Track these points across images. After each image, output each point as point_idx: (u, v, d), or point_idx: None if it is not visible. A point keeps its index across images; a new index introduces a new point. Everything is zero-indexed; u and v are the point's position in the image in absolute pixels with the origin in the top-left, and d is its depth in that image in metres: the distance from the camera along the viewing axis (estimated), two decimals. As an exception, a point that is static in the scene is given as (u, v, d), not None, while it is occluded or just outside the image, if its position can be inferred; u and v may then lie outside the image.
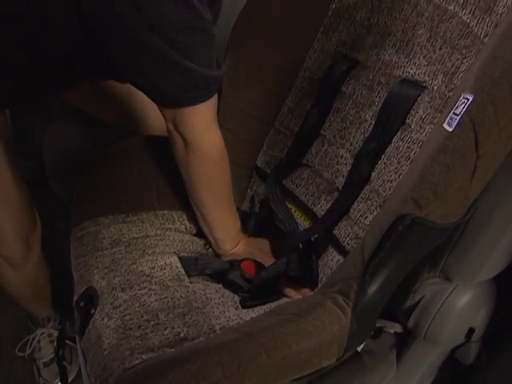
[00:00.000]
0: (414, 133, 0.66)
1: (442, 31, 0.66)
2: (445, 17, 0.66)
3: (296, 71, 0.88)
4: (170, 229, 0.82)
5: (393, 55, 0.73)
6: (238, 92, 0.86)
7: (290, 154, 0.87)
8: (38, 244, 0.95)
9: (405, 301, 0.62)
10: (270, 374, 0.46)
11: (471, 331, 0.64)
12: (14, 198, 0.85)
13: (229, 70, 0.82)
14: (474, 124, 0.44)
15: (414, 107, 0.67)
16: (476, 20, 0.62)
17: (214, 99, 0.66)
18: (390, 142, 0.68)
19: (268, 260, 0.78)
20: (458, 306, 0.60)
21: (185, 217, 0.85)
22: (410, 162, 0.65)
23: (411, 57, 0.70)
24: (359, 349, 0.59)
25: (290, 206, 0.85)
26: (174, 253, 0.76)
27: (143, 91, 0.65)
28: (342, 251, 0.72)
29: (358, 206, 0.71)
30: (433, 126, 0.63)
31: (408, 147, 0.66)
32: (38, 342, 1.06)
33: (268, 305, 0.69)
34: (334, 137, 0.79)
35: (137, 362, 0.54)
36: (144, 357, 0.55)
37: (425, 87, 0.66)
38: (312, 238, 0.78)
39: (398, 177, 0.66)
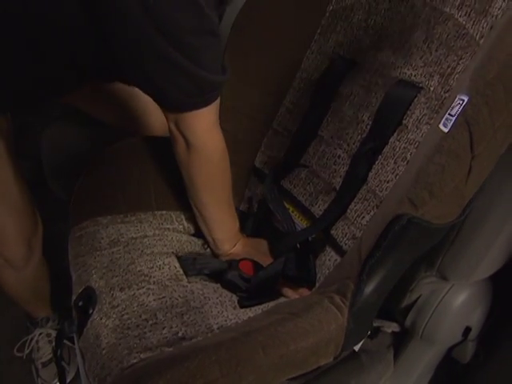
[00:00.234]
0: (410, 133, 0.66)
1: (438, 33, 0.66)
2: (441, 19, 0.66)
3: (294, 72, 0.88)
4: (169, 229, 0.83)
5: (390, 56, 0.73)
6: (235, 93, 0.86)
7: (287, 154, 0.87)
8: (39, 246, 0.95)
9: (402, 300, 0.62)
10: (267, 373, 0.46)
11: (468, 330, 0.64)
12: (15, 199, 0.85)
13: (227, 70, 0.83)
14: (469, 125, 0.45)
15: (411, 108, 0.67)
16: (472, 22, 0.62)
17: (217, 102, 0.67)
18: (387, 143, 0.69)
19: (266, 260, 0.78)
20: (455, 305, 0.61)
21: (183, 217, 0.86)
22: (407, 163, 0.65)
23: (408, 58, 0.70)
24: (356, 348, 0.59)
25: (287, 206, 0.85)
26: (173, 253, 0.76)
27: (147, 94, 0.65)
28: (340, 251, 0.72)
29: (355, 206, 0.71)
30: (429, 127, 0.63)
31: (405, 148, 0.66)
32: (37, 342, 1.06)
33: (266, 304, 0.69)
34: (332, 137, 0.80)
35: (135, 361, 0.55)
36: (142, 356, 0.55)
37: (421, 88, 0.67)
38: (309, 238, 0.78)
39: (395, 177, 0.66)
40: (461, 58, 0.63)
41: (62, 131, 1.29)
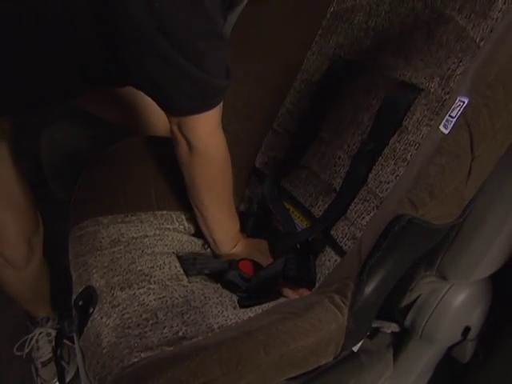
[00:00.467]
0: (410, 135, 0.67)
1: (439, 35, 0.67)
2: (441, 21, 0.67)
3: (294, 73, 0.88)
4: (169, 229, 0.83)
5: (390, 58, 0.74)
6: (236, 93, 0.87)
7: (288, 155, 0.88)
8: (40, 246, 0.95)
9: (401, 300, 0.62)
10: (267, 372, 0.47)
11: (467, 330, 0.64)
12: (17, 199, 0.85)
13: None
14: (470, 126, 0.45)
15: (411, 109, 0.67)
16: (472, 24, 0.63)
17: (220, 105, 0.67)
18: (387, 144, 0.69)
19: (266, 260, 0.79)
20: (454, 305, 0.61)
21: (183, 217, 0.86)
22: (407, 164, 0.65)
23: (408, 60, 0.70)
24: (355, 348, 0.59)
25: (287, 206, 0.86)
26: (173, 253, 0.76)
27: (150, 96, 0.65)
28: (340, 251, 0.72)
29: (355, 206, 0.71)
30: (429, 128, 0.64)
31: (405, 149, 0.66)
32: (37, 341, 1.06)
33: (266, 304, 0.69)
34: (332, 138, 0.80)
35: (136, 360, 0.55)
36: (143, 355, 0.55)
37: (421, 90, 0.67)
38: (309, 239, 0.79)
39: (395, 178, 0.67)
40: (461, 60, 0.63)
41: (61, 131, 1.29)
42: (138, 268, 0.70)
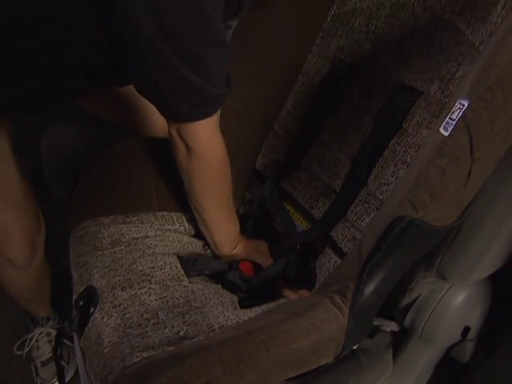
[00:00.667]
0: (410, 137, 0.67)
1: (438, 39, 0.67)
2: (441, 25, 0.67)
3: (295, 75, 0.89)
4: (170, 230, 0.83)
5: (390, 61, 0.74)
6: (237, 95, 0.87)
7: (288, 156, 0.88)
8: (42, 246, 0.95)
9: (401, 300, 0.62)
10: (268, 371, 0.47)
11: (467, 330, 0.65)
12: (19, 199, 0.85)
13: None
14: (469, 129, 0.46)
15: (411, 112, 0.68)
16: (471, 28, 0.63)
17: (219, 110, 0.67)
18: (387, 146, 0.69)
19: (266, 262, 0.79)
20: (454, 305, 0.61)
21: (184, 218, 0.86)
22: (407, 166, 0.66)
23: (408, 63, 0.71)
24: (355, 347, 0.59)
25: (287, 208, 0.86)
26: (174, 253, 0.77)
27: (149, 100, 0.65)
28: (339, 253, 0.73)
29: (356, 208, 0.72)
30: (429, 131, 0.64)
31: (405, 151, 0.67)
32: (37, 341, 1.06)
33: (266, 305, 0.70)
34: (332, 140, 0.81)
35: (137, 359, 0.55)
36: (144, 355, 0.56)
37: (421, 93, 0.68)
38: (310, 240, 0.79)
39: (395, 180, 0.67)
40: (460, 64, 0.64)
41: (61, 131, 1.29)
42: (139, 268, 0.70)
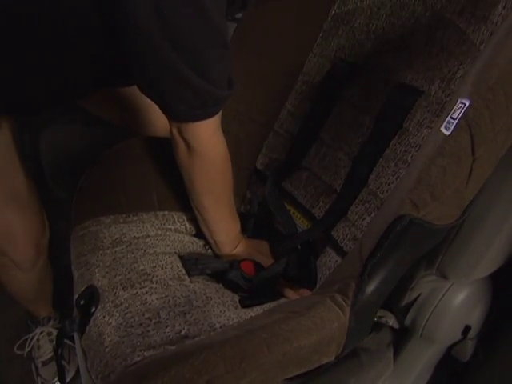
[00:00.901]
0: (411, 136, 0.67)
1: (439, 38, 0.68)
2: (441, 24, 0.68)
3: (296, 75, 0.89)
4: (171, 229, 0.83)
5: (391, 60, 0.74)
6: (238, 95, 0.87)
7: (289, 156, 0.88)
8: (46, 247, 0.95)
9: (402, 298, 0.62)
10: (270, 370, 0.47)
11: (467, 329, 0.65)
12: (23, 199, 0.85)
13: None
14: (471, 128, 0.46)
15: (412, 111, 0.68)
16: (472, 28, 0.63)
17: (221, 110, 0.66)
18: (388, 146, 0.69)
19: (267, 261, 0.79)
20: (455, 304, 0.61)
21: (185, 218, 0.86)
22: (408, 165, 0.66)
23: (409, 62, 0.71)
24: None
25: (288, 207, 0.86)
26: (175, 253, 0.77)
27: (151, 99, 0.65)
28: (340, 252, 0.73)
29: (356, 207, 0.72)
30: (430, 130, 0.64)
31: (405, 150, 0.67)
32: (37, 340, 1.07)
33: (267, 304, 0.70)
34: (333, 140, 0.81)
35: (139, 358, 0.55)
36: (146, 354, 0.56)
37: (422, 92, 0.68)
38: (310, 239, 0.79)
39: (396, 179, 0.67)
40: (461, 63, 0.64)
41: (62, 131, 1.29)
42: (140, 267, 0.70)
